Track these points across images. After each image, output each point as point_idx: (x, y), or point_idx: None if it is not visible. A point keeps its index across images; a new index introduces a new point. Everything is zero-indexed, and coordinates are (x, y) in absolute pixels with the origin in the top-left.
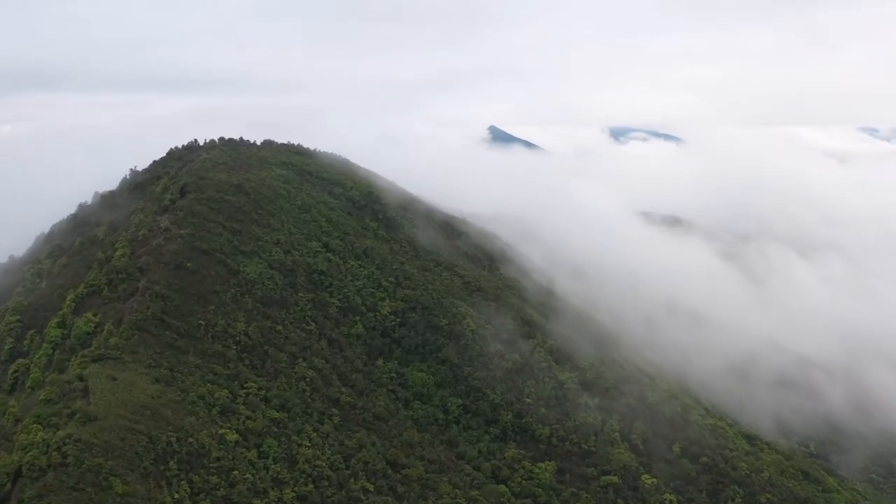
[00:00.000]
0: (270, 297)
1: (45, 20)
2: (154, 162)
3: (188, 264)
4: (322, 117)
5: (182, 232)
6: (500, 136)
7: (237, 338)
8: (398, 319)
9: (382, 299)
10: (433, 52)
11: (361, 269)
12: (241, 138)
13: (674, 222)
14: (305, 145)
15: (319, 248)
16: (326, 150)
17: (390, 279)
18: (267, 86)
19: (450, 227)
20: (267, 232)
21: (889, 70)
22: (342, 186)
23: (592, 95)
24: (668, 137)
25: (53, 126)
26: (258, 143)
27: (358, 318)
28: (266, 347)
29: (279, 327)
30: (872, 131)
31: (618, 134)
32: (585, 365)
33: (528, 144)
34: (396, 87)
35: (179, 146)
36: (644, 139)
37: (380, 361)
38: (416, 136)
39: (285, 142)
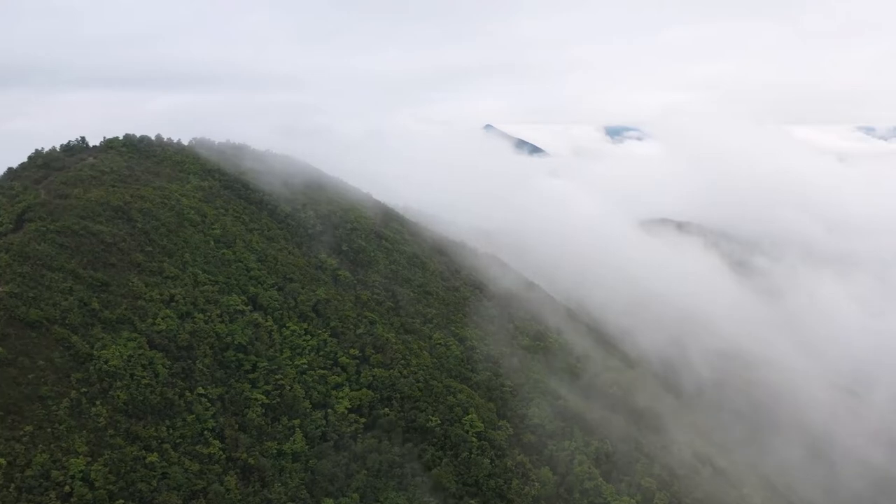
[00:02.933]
0: (144, 400)
1: (29, 15)
2: (10, 170)
3: None
4: (312, 115)
5: (1, 290)
6: (495, 136)
7: (68, 486)
8: (363, 420)
9: (339, 387)
10: (432, 48)
11: (308, 339)
12: (157, 136)
13: (678, 228)
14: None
15: (242, 306)
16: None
17: (353, 351)
18: (264, 84)
19: (443, 258)
20: (156, 283)
21: (885, 69)
22: (292, 204)
23: (589, 93)
24: (663, 136)
25: (37, 126)
26: (185, 141)
27: (297, 422)
28: (120, 501)
29: (152, 457)
30: (869, 130)
31: (614, 133)
32: (649, 483)
33: (524, 143)
34: (392, 83)
35: (57, 147)
36: (640, 138)
37: (329, 502)
38: (411, 135)
39: (225, 140)
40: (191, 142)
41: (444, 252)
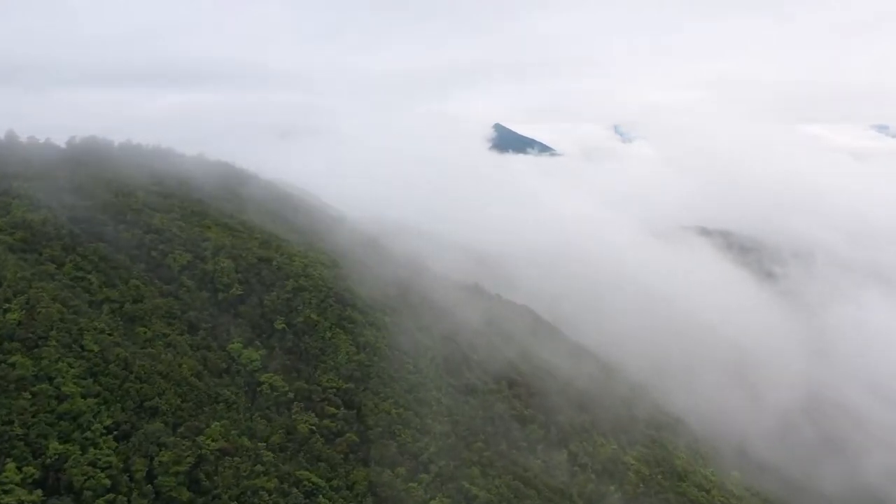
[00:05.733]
0: None
1: (25, 13)
2: None
3: None
4: (318, 115)
5: None
6: (505, 136)
7: None
8: None
9: None
10: (436, 47)
11: None
12: (9, 132)
13: (699, 235)
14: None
15: (19, 496)
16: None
17: None
18: (269, 82)
19: (448, 326)
20: None
21: None
22: (195, 248)
23: (595, 93)
24: (675, 135)
25: (37, 126)
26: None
27: None
28: None
29: None
30: (882, 128)
31: (622, 132)
32: None
33: (534, 143)
34: (398, 82)
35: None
36: (650, 137)
37: None
38: (414, 135)
39: (126, 140)
40: (70, 140)
41: (449, 310)
